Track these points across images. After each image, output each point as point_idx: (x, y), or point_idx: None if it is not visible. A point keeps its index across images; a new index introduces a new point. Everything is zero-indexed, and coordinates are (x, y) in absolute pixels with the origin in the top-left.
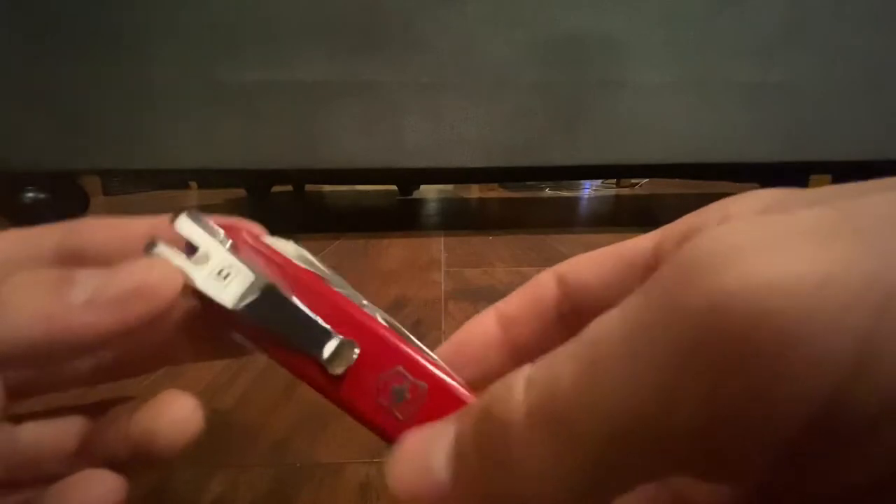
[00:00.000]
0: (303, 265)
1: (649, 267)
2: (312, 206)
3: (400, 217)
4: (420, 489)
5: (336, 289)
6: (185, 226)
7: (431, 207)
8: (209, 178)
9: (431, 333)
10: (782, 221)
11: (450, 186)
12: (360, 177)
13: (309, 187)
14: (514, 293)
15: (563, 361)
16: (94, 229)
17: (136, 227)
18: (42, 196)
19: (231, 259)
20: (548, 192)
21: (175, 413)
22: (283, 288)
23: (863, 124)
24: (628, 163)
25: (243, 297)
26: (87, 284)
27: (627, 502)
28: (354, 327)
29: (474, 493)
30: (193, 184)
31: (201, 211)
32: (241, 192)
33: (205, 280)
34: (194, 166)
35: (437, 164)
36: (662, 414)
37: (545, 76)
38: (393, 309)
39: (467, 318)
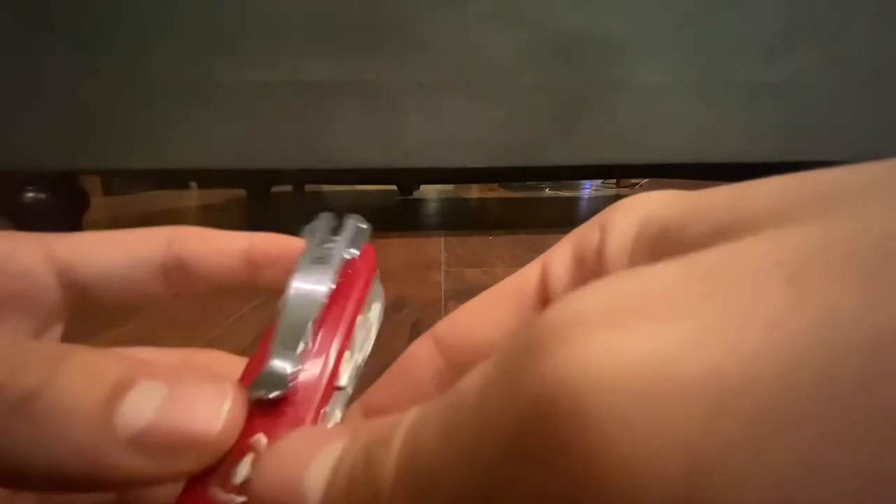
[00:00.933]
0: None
1: (540, 299)
2: (312, 206)
3: (400, 217)
4: (284, 500)
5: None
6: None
7: (431, 207)
8: (209, 178)
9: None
10: (638, 287)
11: (450, 186)
12: (360, 177)
13: (309, 187)
14: (381, 379)
15: (430, 418)
16: (196, 242)
17: (236, 242)
18: (42, 196)
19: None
20: (548, 192)
21: None
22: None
23: (863, 124)
24: (628, 163)
25: None
26: (140, 408)
27: None
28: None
29: None
30: (193, 184)
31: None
32: (241, 192)
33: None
34: (194, 166)
35: (437, 164)
36: (494, 494)
37: (545, 76)
38: (393, 309)
39: None
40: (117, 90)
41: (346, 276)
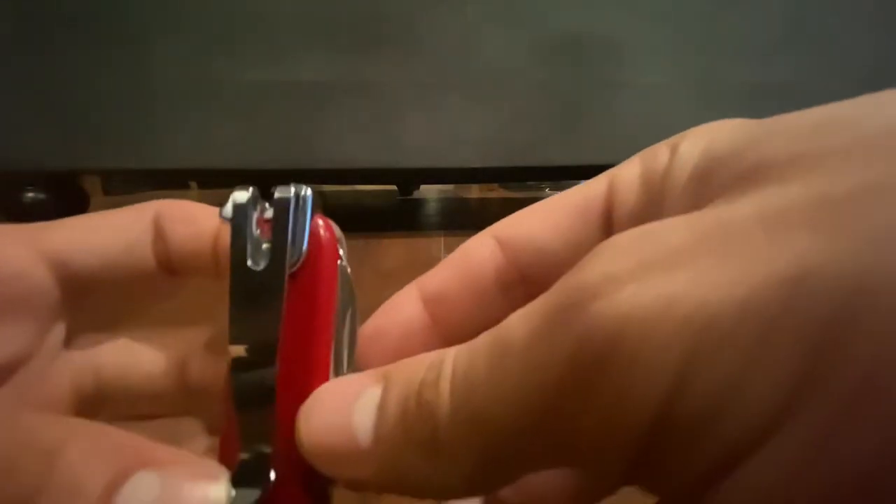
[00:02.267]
0: None
1: (605, 216)
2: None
3: (400, 217)
4: (335, 446)
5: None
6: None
7: (431, 207)
8: (209, 178)
9: None
10: (651, 247)
11: (450, 186)
12: (360, 177)
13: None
14: (440, 265)
15: (479, 356)
16: (175, 224)
17: (208, 222)
18: (42, 196)
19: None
20: (548, 192)
21: None
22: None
23: None
24: None
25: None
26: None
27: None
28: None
29: (391, 462)
30: (193, 184)
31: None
32: None
33: None
34: (194, 166)
35: (437, 164)
36: (551, 413)
37: (545, 76)
38: None
39: None
40: (117, 90)
41: (300, 290)
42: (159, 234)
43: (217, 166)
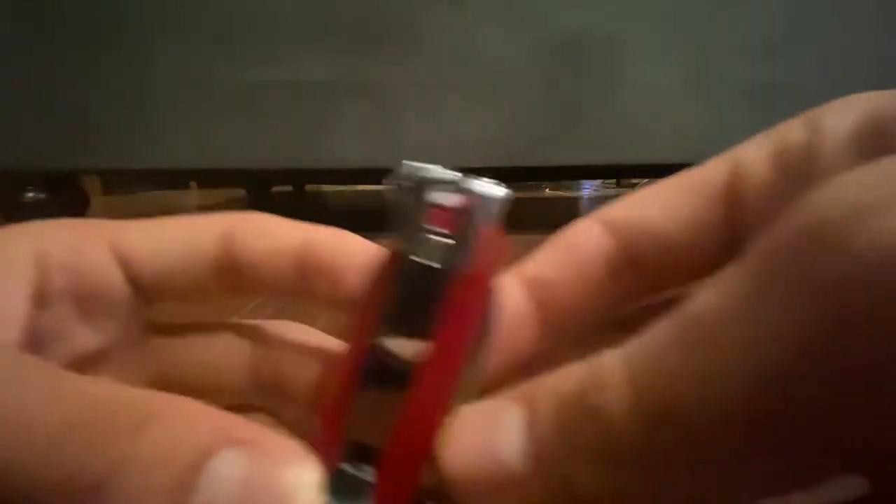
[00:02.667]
0: None
1: (728, 197)
2: (312, 206)
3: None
4: (487, 475)
5: None
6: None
7: None
8: (209, 178)
9: None
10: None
11: None
12: (360, 177)
13: (309, 187)
14: (541, 251)
15: (663, 346)
16: (249, 236)
17: (286, 240)
18: (42, 196)
19: None
20: (548, 192)
21: None
22: None
23: None
24: (628, 163)
25: None
26: (217, 490)
27: None
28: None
29: (555, 482)
30: (193, 184)
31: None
32: (241, 192)
33: None
34: (194, 166)
35: (437, 164)
36: (789, 400)
37: (545, 76)
38: None
39: None
40: (117, 90)
41: (454, 298)
42: (228, 248)
43: (217, 166)
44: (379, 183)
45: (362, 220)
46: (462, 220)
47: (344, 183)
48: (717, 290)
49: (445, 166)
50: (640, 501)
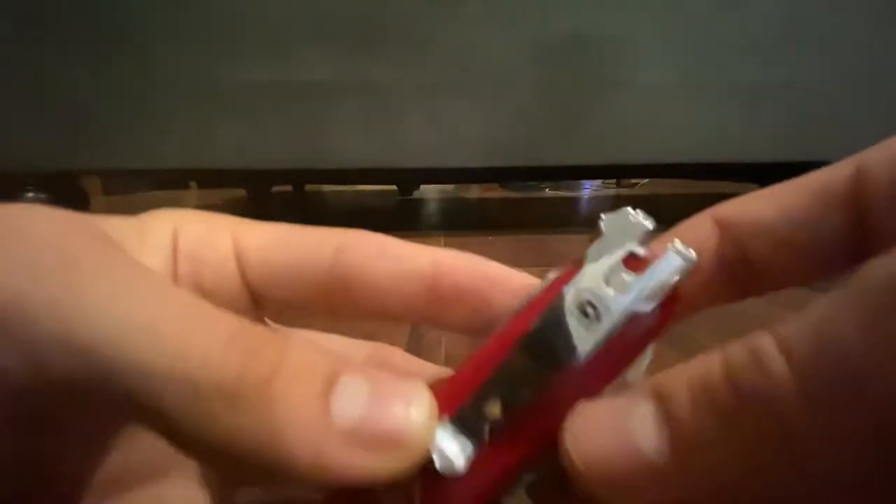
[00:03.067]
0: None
1: (851, 200)
2: (312, 206)
3: (400, 217)
4: (623, 467)
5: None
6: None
7: (431, 207)
8: (209, 178)
9: (430, 333)
10: None
11: (450, 186)
12: (360, 177)
13: (309, 187)
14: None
15: (836, 318)
16: (369, 254)
17: (416, 262)
18: (42, 196)
19: None
20: (548, 192)
21: None
22: None
23: (863, 124)
24: (628, 163)
25: None
26: (351, 402)
27: None
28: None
29: (696, 472)
30: (193, 184)
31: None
32: (241, 192)
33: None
34: (194, 166)
35: (437, 164)
36: None
37: (545, 76)
38: None
39: None
40: (117, 90)
41: (624, 337)
42: (342, 267)
43: (217, 166)
44: (379, 183)
45: (362, 220)
46: (649, 273)
47: (344, 183)
48: (884, 262)
49: (445, 166)
50: (804, 483)
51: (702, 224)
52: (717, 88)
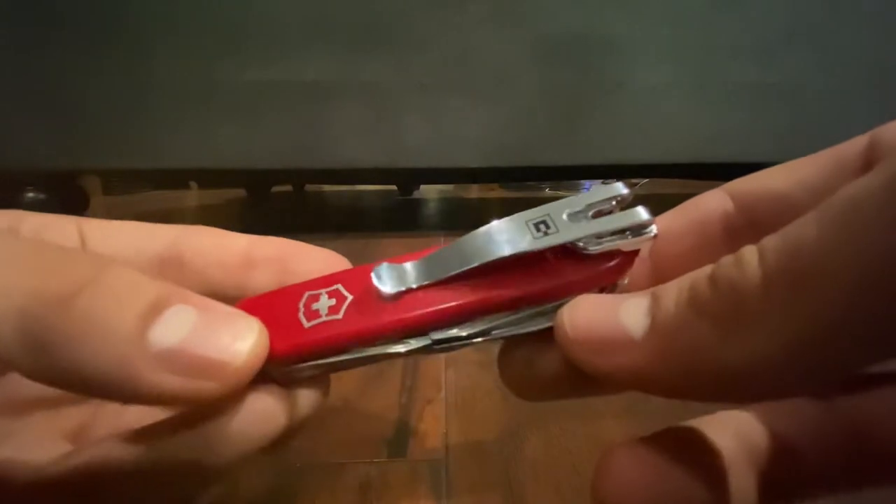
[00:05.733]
0: None
1: (866, 165)
2: (312, 206)
3: (400, 217)
4: (603, 335)
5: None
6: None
7: (431, 207)
8: (209, 178)
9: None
10: None
11: (450, 186)
12: (360, 177)
13: (309, 187)
14: (666, 214)
15: (804, 225)
16: (199, 236)
17: (236, 241)
18: (42, 196)
19: None
20: (548, 192)
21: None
22: None
23: (863, 124)
24: (628, 163)
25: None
26: (173, 328)
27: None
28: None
29: (672, 343)
30: (193, 184)
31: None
32: (241, 192)
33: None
34: (194, 166)
35: (437, 164)
36: None
37: (545, 76)
38: None
39: None
40: (117, 90)
41: (561, 265)
42: (177, 246)
43: (217, 166)
44: (379, 183)
45: (362, 220)
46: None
47: (344, 183)
48: (868, 180)
49: (445, 166)
50: (757, 373)
51: (713, 195)
52: (717, 88)
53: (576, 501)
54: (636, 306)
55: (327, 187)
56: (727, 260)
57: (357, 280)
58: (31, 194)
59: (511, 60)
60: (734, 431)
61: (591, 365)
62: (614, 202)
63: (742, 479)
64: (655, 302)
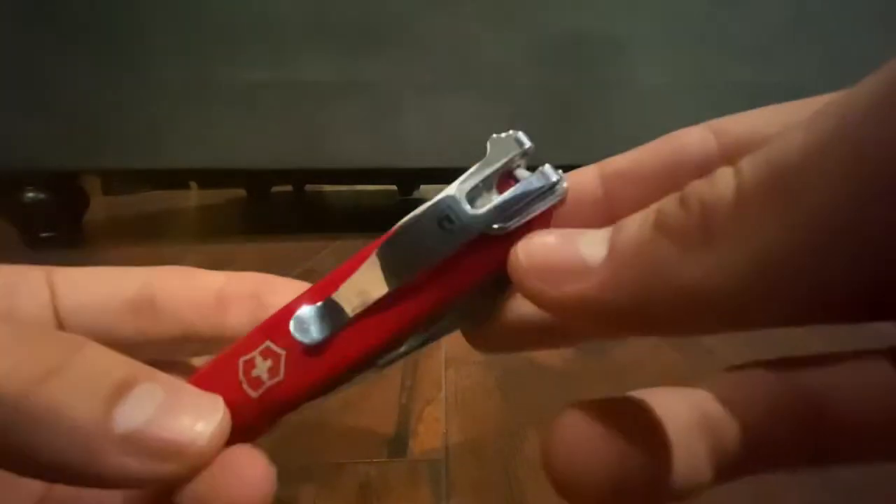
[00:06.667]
0: None
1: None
2: (312, 206)
3: (400, 217)
4: (558, 263)
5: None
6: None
7: None
8: (209, 178)
9: None
10: None
11: None
12: (360, 177)
13: (309, 187)
14: (635, 150)
15: (786, 135)
16: (170, 278)
17: (210, 280)
18: (42, 196)
19: None
20: None
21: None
22: None
23: None
24: None
25: None
26: (137, 410)
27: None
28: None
29: (631, 264)
30: (193, 184)
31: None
32: (241, 192)
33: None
34: (194, 166)
35: (437, 164)
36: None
37: (545, 76)
38: None
39: None
40: (117, 90)
41: (480, 249)
42: (149, 288)
43: (217, 166)
44: (379, 183)
45: (362, 220)
46: (511, 195)
47: (344, 183)
48: (857, 92)
49: (445, 166)
50: (721, 290)
51: (695, 132)
52: (717, 88)
53: None
54: (596, 235)
55: (327, 187)
56: (699, 180)
57: (283, 329)
58: (31, 194)
59: (511, 60)
60: (690, 402)
61: (543, 296)
62: (519, 160)
63: (694, 448)
64: (617, 228)
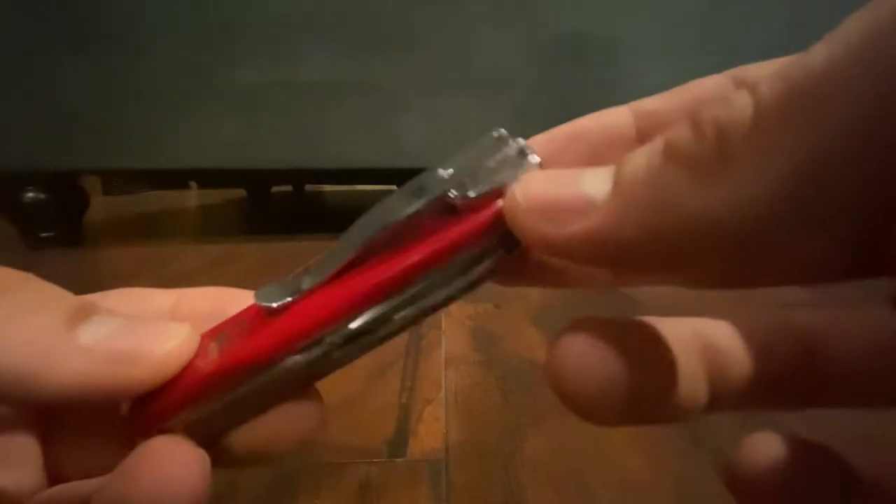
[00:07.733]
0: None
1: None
2: (312, 206)
3: None
4: (559, 201)
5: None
6: None
7: None
8: (209, 178)
9: (431, 333)
10: None
11: None
12: (360, 177)
13: (309, 187)
14: (660, 95)
15: (808, 53)
16: (120, 302)
17: (161, 299)
18: (42, 196)
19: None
20: None
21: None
22: None
23: None
24: None
25: None
26: (100, 327)
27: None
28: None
29: (633, 206)
30: (193, 184)
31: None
32: (241, 192)
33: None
34: (194, 166)
35: (437, 163)
36: None
37: (545, 76)
38: None
39: (468, 316)
40: (117, 90)
41: (454, 219)
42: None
43: (217, 166)
44: (379, 183)
45: None
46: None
47: (344, 183)
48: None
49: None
50: (736, 213)
51: (713, 79)
52: None
53: (576, 501)
54: (599, 171)
55: (327, 187)
56: (713, 102)
57: (248, 312)
58: (30, 194)
59: (511, 60)
60: (691, 329)
61: (545, 238)
62: (493, 148)
63: (693, 370)
64: (622, 162)
